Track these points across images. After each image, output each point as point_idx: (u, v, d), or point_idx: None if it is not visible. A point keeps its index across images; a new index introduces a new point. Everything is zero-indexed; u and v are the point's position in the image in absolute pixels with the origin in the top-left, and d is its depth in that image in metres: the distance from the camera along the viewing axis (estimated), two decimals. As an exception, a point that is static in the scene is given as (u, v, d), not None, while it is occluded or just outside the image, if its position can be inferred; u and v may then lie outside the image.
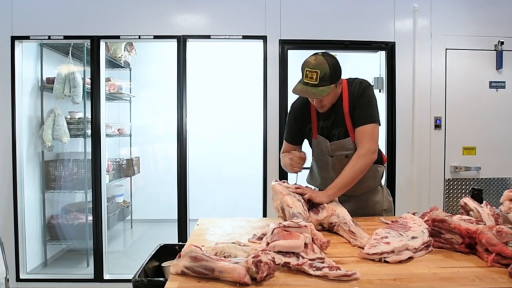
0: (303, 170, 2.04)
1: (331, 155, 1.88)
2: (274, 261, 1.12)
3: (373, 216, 1.91)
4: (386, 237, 1.33)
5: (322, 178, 1.98)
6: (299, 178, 1.95)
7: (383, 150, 3.24)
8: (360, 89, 1.83)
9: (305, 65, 1.76)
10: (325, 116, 1.88)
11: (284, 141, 2.05)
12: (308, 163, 2.06)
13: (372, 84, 3.34)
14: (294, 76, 2.01)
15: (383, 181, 3.19)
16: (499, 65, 3.22)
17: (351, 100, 1.83)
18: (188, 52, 3.16)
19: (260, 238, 1.46)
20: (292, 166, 1.89)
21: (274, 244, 1.20)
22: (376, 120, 1.81)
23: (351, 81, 1.88)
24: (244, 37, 3.14)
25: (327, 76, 1.72)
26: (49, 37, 3.13)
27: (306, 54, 1.87)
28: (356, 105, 1.81)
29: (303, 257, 1.18)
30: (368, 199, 1.96)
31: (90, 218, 3.30)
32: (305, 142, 2.05)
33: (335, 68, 1.75)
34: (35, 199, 3.46)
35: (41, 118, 3.51)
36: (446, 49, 3.21)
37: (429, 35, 3.21)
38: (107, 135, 3.57)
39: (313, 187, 1.96)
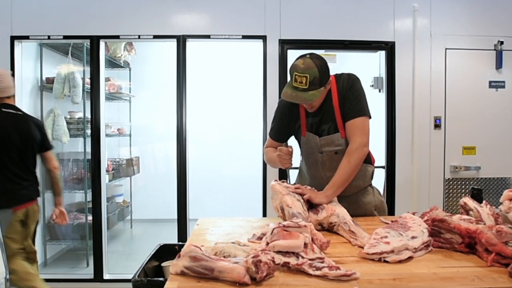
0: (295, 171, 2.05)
1: (321, 151, 1.87)
2: (273, 261, 1.12)
3: (372, 216, 1.91)
4: (386, 236, 1.33)
5: (312, 176, 1.96)
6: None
7: (383, 150, 3.24)
8: (349, 83, 1.82)
9: (293, 69, 1.73)
10: (314, 112, 1.88)
11: (269, 137, 2.04)
12: (297, 163, 2.05)
13: (372, 84, 3.38)
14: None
15: (381, 182, 3.23)
16: (498, 64, 3.22)
17: (340, 95, 1.82)
18: (187, 52, 3.16)
19: (260, 238, 1.45)
20: (282, 163, 1.87)
21: (274, 244, 1.20)
22: (366, 113, 1.81)
23: (338, 76, 1.87)
24: (244, 37, 3.14)
25: (316, 80, 1.70)
26: (49, 37, 3.13)
27: (305, 54, 1.86)
28: (346, 99, 1.81)
29: (302, 257, 1.18)
30: (359, 199, 1.93)
31: (90, 218, 3.29)
32: (294, 140, 2.04)
33: (324, 70, 1.73)
34: (34, 199, 3.45)
35: (40, 118, 3.50)
36: (446, 48, 3.21)
37: (429, 35, 3.21)
38: (107, 135, 3.57)
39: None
